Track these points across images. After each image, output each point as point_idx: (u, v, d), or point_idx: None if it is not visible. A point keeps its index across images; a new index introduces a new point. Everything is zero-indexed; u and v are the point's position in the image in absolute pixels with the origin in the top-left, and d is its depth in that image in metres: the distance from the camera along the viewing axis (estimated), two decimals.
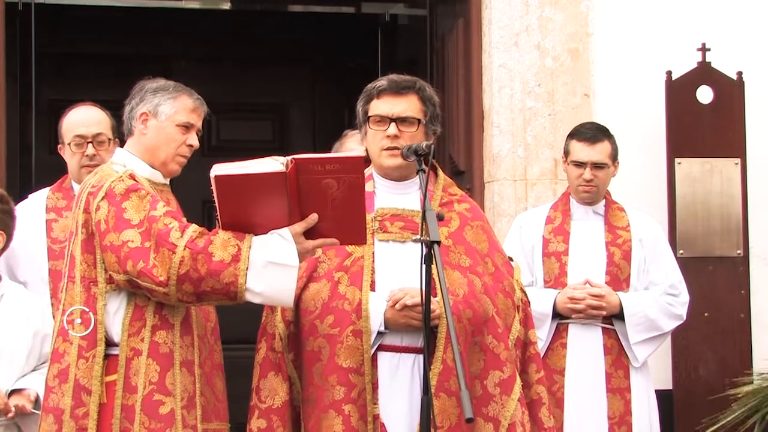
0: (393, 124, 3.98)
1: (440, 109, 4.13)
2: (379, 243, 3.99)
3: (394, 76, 4.08)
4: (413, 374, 3.91)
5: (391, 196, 4.07)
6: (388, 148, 3.99)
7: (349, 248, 3.95)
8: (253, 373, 4.04)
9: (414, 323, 3.87)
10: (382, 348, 3.92)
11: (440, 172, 4.19)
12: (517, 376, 4.00)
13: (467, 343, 3.88)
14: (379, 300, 3.91)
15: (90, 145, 4.79)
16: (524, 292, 4.18)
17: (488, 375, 3.93)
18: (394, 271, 3.96)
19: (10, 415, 4.35)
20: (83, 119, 4.84)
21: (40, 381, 4.21)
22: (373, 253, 3.97)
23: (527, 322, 4.14)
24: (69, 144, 4.82)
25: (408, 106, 4.01)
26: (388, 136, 3.98)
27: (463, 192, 4.25)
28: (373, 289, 3.94)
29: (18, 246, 4.74)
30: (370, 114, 4.03)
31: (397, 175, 4.07)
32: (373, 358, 3.89)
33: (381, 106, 4.01)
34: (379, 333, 3.90)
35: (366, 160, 4.10)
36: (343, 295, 3.92)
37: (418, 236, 3.70)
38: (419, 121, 4.00)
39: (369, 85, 4.09)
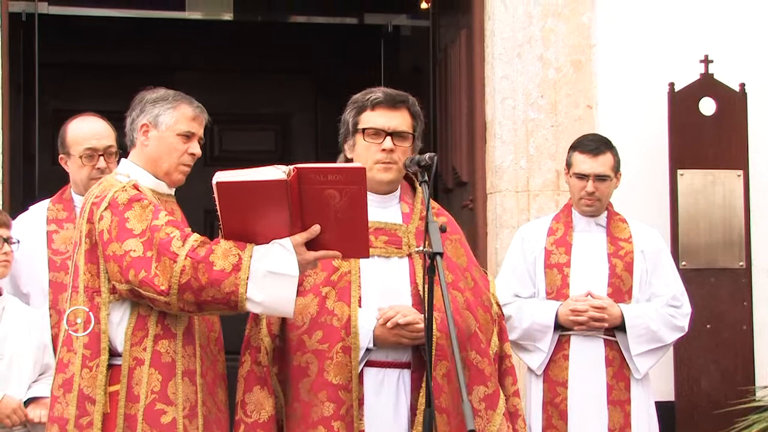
0: (389, 138, 3.97)
1: (424, 126, 4.13)
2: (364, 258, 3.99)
3: (387, 90, 4.07)
4: (398, 390, 3.90)
5: (374, 209, 4.01)
6: (382, 162, 3.99)
7: (336, 262, 3.92)
8: (236, 386, 4.02)
9: (404, 341, 3.86)
10: (367, 363, 3.90)
11: (418, 187, 4.17)
12: (501, 391, 4.00)
13: (453, 358, 3.87)
14: (368, 316, 3.89)
15: (101, 158, 4.78)
16: (499, 306, 4.18)
17: (473, 390, 3.93)
18: (380, 286, 3.95)
19: (36, 420, 4.40)
20: (94, 132, 4.82)
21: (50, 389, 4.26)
22: (359, 268, 3.96)
23: (502, 335, 4.15)
24: (80, 157, 4.79)
25: (402, 120, 4.01)
26: (383, 150, 3.98)
27: (439, 206, 4.24)
28: (359, 304, 3.93)
29: (20, 258, 4.74)
30: (363, 126, 4.01)
31: (384, 189, 4.06)
32: (359, 374, 3.88)
33: (376, 119, 4.00)
34: (366, 349, 3.89)
35: None
36: (332, 310, 3.90)
37: (421, 248, 3.69)
38: (413, 135, 4.01)
39: (359, 96, 4.07)
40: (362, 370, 3.88)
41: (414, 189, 4.16)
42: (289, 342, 3.93)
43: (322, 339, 3.87)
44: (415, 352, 3.89)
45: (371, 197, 4.04)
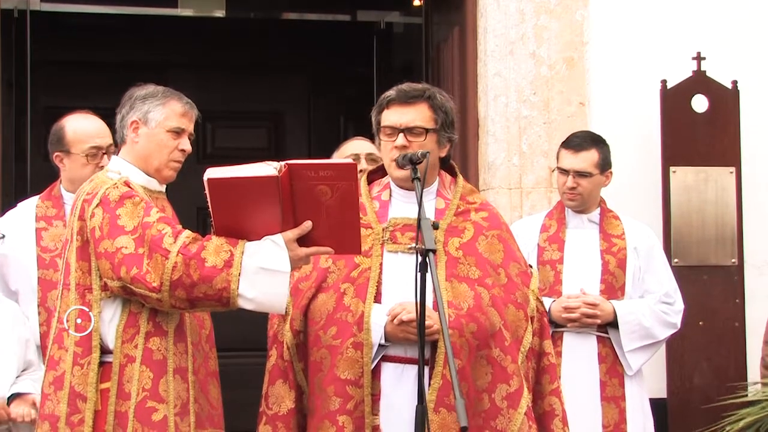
0: (401, 135, 3.98)
1: (456, 115, 4.12)
2: (388, 254, 4.00)
3: (404, 86, 4.08)
4: (416, 386, 3.89)
5: (405, 205, 4.07)
6: (396, 159, 4.00)
7: (358, 259, 3.96)
8: (263, 379, 4.07)
9: (412, 338, 3.86)
10: (386, 358, 3.93)
11: (460, 179, 4.17)
12: (525, 389, 3.99)
13: (471, 356, 3.87)
14: (382, 313, 3.91)
15: (105, 156, 4.76)
16: (540, 302, 4.17)
17: (496, 388, 3.92)
18: (400, 282, 3.95)
19: (20, 419, 4.37)
20: (97, 130, 4.80)
21: (34, 386, 4.23)
22: (381, 265, 3.98)
23: (543, 332, 4.15)
24: (86, 155, 4.76)
25: (416, 115, 4.00)
26: (396, 147, 3.99)
27: (483, 200, 4.23)
28: (379, 300, 3.95)
29: (9, 255, 4.73)
30: (382, 125, 4.05)
31: (409, 185, 4.05)
32: (377, 369, 3.91)
33: (390, 117, 4.02)
34: (384, 345, 3.91)
35: (382, 169, 4.12)
36: (348, 306, 3.93)
37: (414, 245, 3.70)
38: (427, 130, 4.00)
39: (382, 96, 4.10)
40: (380, 364, 3.91)
41: (457, 182, 4.16)
42: (308, 337, 3.98)
43: (335, 335, 3.91)
44: (434, 348, 3.89)
45: (402, 193, 4.09)
